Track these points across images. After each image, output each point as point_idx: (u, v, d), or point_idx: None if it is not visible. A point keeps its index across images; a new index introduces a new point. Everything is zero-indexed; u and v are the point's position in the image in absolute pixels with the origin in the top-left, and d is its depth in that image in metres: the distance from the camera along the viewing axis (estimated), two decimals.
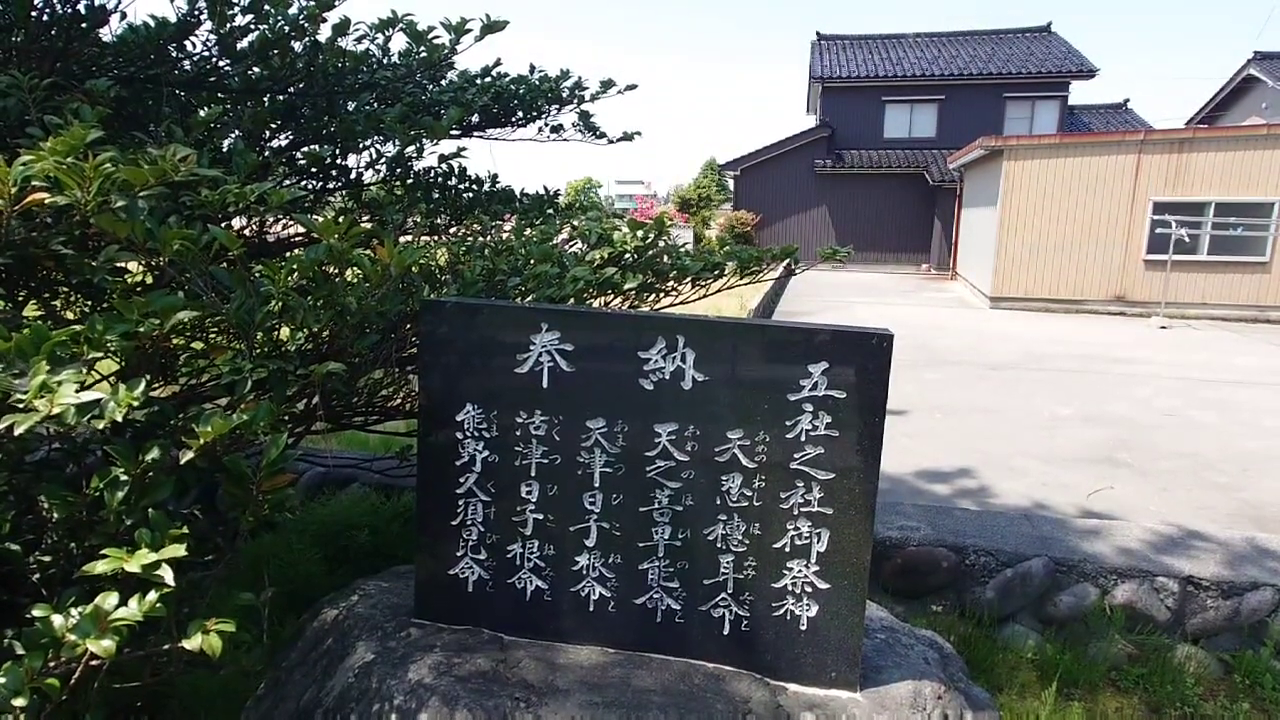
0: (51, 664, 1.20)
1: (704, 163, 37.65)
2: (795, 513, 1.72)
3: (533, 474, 1.86)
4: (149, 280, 2.20)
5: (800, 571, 1.74)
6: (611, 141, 4.00)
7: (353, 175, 3.29)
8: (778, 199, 22.94)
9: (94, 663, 1.21)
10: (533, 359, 1.82)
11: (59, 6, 2.22)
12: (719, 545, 1.78)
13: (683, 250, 2.67)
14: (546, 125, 3.85)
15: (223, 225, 2.16)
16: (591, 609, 1.87)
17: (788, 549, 1.74)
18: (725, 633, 1.81)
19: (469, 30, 2.58)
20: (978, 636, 3.44)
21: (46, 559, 1.72)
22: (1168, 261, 12.73)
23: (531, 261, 2.28)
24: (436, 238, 3.23)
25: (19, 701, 1.14)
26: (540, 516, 1.87)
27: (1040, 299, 13.74)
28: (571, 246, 2.74)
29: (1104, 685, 3.17)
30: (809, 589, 1.74)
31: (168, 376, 2.26)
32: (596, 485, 1.83)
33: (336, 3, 2.29)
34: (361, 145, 3.00)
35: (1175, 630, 3.40)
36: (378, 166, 2.97)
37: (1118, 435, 6.18)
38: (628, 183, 73.41)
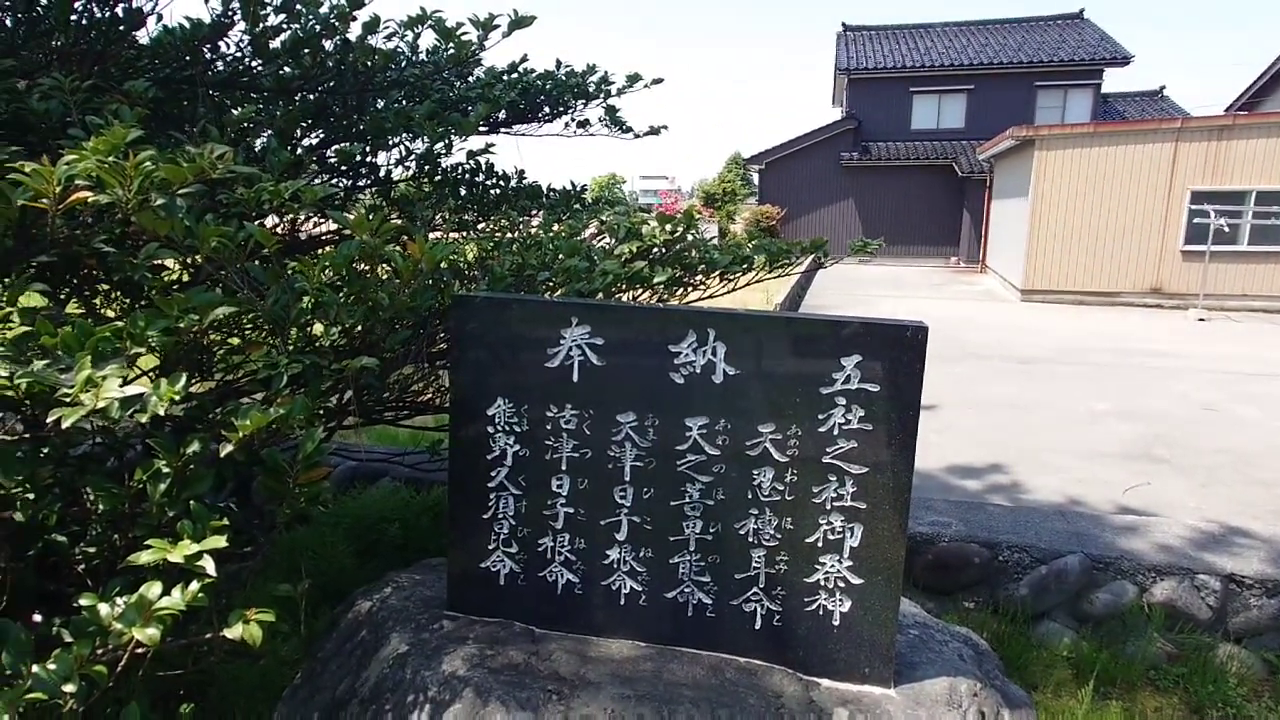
0: (99, 652, 1.23)
1: (729, 157, 37.47)
2: (828, 507, 1.71)
3: (563, 468, 1.87)
4: (185, 278, 2.24)
5: (833, 567, 1.73)
6: (638, 136, 3.99)
7: (382, 173, 3.32)
8: (803, 193, 22.75)
9: (139, 651, 1.24)
10: (563, 353, 1.82)
11: (98, 10, 2.26)
12: (750, 539, 1.77)
13: (711, 244, 2.66)
14: (573, 121, 3.85)
15: (256, 223, 2.19)
16: (622, 602, 1.87)
17: (820, 544, 1.73)
18: (757, 627, 1.80)
19: (497, 26, 2.59)
20: (1011, 634, 3.39)
21: (91, 550, 1.76)
22: (1206, 252, 12.41)
23: (560, 256, 2.28)
24: (465, 234, 3.25)
25: (69, 688, 1.17)
26: (571, 510, 1.88)
27: (1073, 292, 13.48)
28: (599, 241, 2.74)
29: (1142, 684, 3.11)
30: (842, 584, 1.73)
31: (204, 372, 2.30)
32: (627, 479, 1.83)
33: (366, 1, 2.30)
34: (391, 143, 3.02)
35: (1217, 629, 3.32)
36: (406, 164, 2.99)
37: (1155, 430, 6.05)
38: (652, 178, 73.33)
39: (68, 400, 1.24)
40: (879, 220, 22.32)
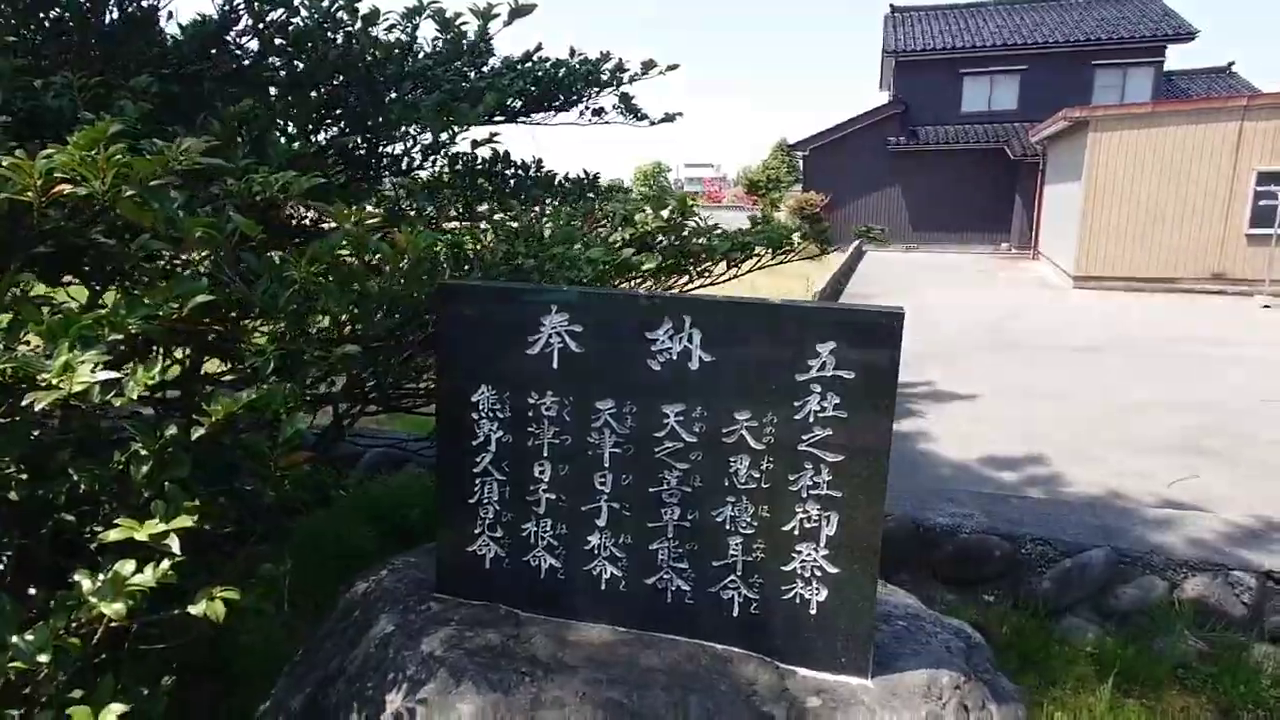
0: (75, 625, 1.29)
1: (774, 144, 36.99)
2: (804, 495, 1.69)
3: (545, 454, 1.88)
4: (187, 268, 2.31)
5: (809, 555, 1.71)
6: (653, 123, 3.96)
7: (403, 164, 3.38)
8: (849, 179, 22.31)
9: (113, 624, 1.30)
10: (543, 340, 1.84)
11: (111, 11, 2.34)
12: (727, 527, 1.76)
13: (713, 230, 2.63)
14: (588, 109, 3.85)
15: (268, 213, 2.26)
16: (603, 588, 1.88)
17: (797, 532, 1.71)
18: (734, 615, 1.79)
19: (496, 15, 2.60)
20: (1032, 628, 3.30)
21: (100, 529, 1.85)
22: (1274, 236, 11.79)
23: (548, 244, 2.29)
24: (475, 224, 3.29)
25: (43, 657, 1.24)
26: (553, 496, 1.89)
27: (1129, 278, 12.96)
28: (604, 230, 2.74)
29: (1169, 683, 2.99)
30: (818, 573, 1.71)
31: (232, 359, 2.38)
32: (606, 465, 1.84)
33: None
34: (401, 134, 3.07)
35: (1252, 628, 3.17)
36: (413, 154, 3.04)
37: (1208, 422, 5.79)
38: (697, 165, 72.89)
39: (44, 384, 1.30)
40: (927, 206, 21.78)
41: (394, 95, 3.05)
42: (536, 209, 3.20)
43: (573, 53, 3.77)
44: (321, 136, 3.02)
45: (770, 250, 2.56)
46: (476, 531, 1.97)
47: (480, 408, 1.92)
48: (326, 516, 3.67)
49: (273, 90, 2.62)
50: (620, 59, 3.76)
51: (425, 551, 2.35)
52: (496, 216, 3.35)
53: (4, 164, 1.38)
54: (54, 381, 1.29)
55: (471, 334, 1.91)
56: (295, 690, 1.98)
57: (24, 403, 1.27)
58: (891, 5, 23.93)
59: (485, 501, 1.95)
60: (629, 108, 3.88)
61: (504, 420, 1.90)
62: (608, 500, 1.85)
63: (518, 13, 2.63)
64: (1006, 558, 3.51)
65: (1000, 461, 5.02)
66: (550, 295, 1.83)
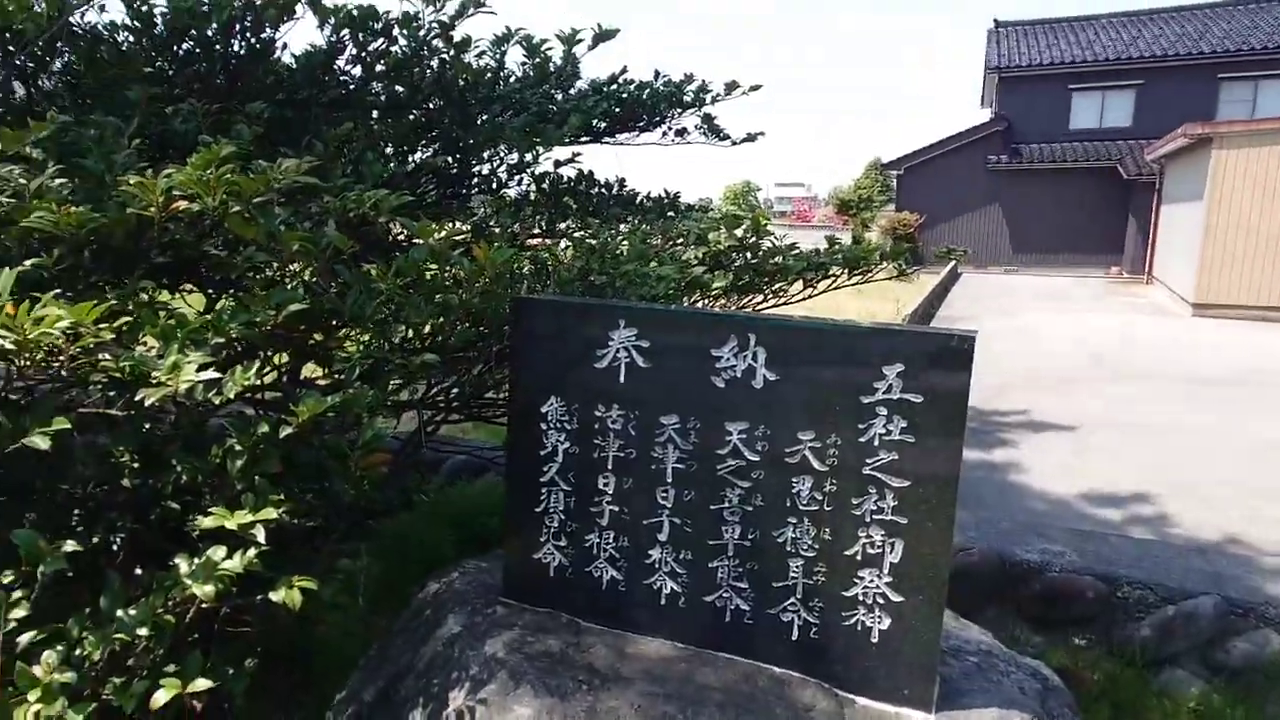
0: (170, 604, 1.40)
1: (867, 163, 36.24)
2: (867, 520, 1.65)
3: (609, 467, 1.92)
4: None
5: (872, 581, 1.67)
6: (735, 143, 3.99)
7: (493, 184, 3.53)
8: (944, 198, 21.60)
9: (203, 606, 1.41)
10: (611, 354, 1.88)
11: (233, 42, 2.57)
12: (788, 548, 1.74)
13: (788, 250, 2.62)
14: (670, 129, 3.91)
15: (362, 229, 2.41)
16: (663, 602, 1.89)
17: (859, 557, 1.67)
18: (794, 638, 1.76)
19: (580, 40, 2.69)
20: (1128, 677, 3.09)
21: (200, 518, 2.00)
22: None
23: (621, 261, 2.34)
24: (556, 240, 3.39)
25: (142, 631, 1.35)
26: (616, 508, 1.92)
27: (1255, 306, 11.97)
28: (678, 249, 2.77)
29: None
30: (881, 600, 1.66)
31: (326, 365, 2.54)
32: (669, 481, 1.85)
33: (458, 23, 2.47)
34: (490, 154, 3.21)
35: None
36: (500, 174, 3.16)
37: None
38: (787, 185, 72.18)
39: (154, 381, 1.43)
40: (1030, 227, 20.81)
41: (484, 118, 3.20)
42: (622, 226, 3.27)
43: (657, 75, 3.85)
44: (416, 157, 3.20)
45: (847, 271, 2.53)
46: (542, 540, 2.02)
47: (549, 419, 1.97)
48: (410, 520, 3.82)
49: (373, 114, 2.80)
50: (704, 80, 3.81)
51: (495, 556, 2.42)
52: (577, 234, 3.45)
53: (131, 183, 1.53)
54: (164, 379, 1.43)
55: (543, 346, 1.97)
56: (369, 683, 2.08)
57: (136, 398, 1.40)
58: (996, 20, 23.14)
59: (551, 511, 2.00)
60: (711, 128, 3.92)
61: (571, 432, 1.95)
62: (669, 515, 1.86)
63: (601, 38, 2.72)
64: (1101, 600, 3.30)
65: (1100, 498, 4.72)
66: (619, 310, 1.87)
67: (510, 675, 1.72)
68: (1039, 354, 9.27)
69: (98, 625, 1.41)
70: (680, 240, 2.51)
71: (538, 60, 2.75)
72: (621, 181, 3.96)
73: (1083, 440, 5.91)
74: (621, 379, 1.87)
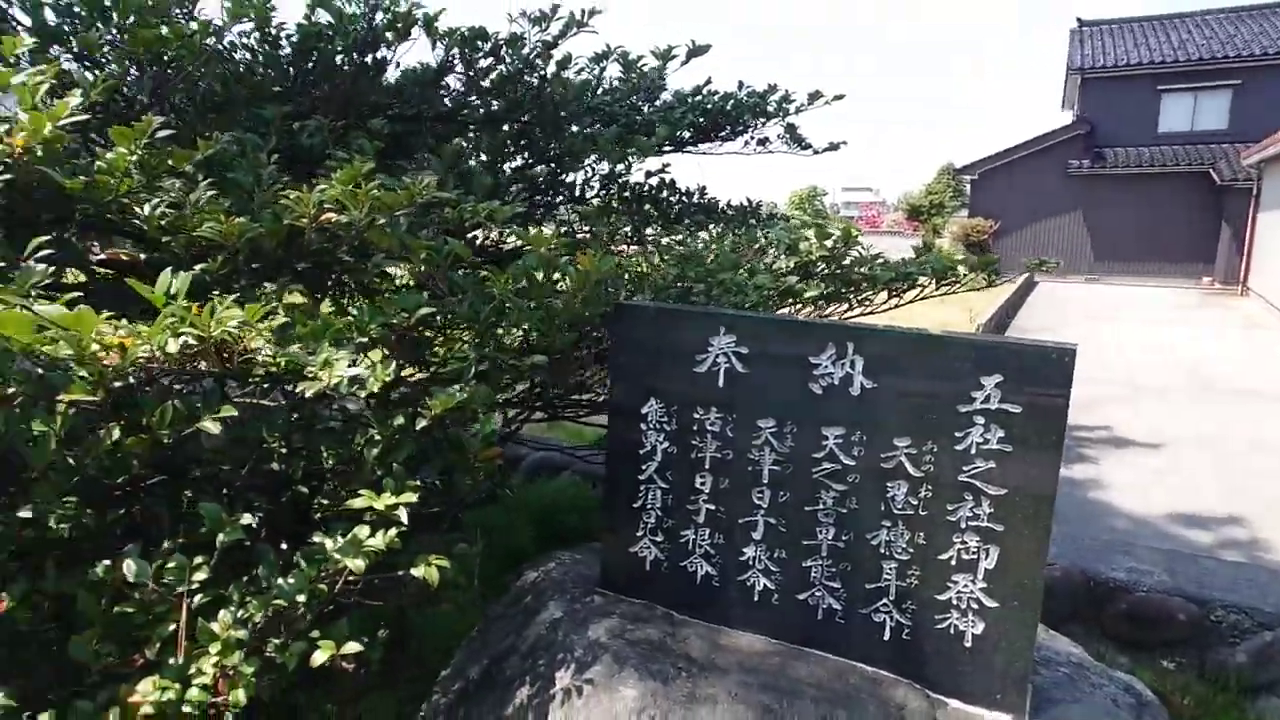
0: (321, 575, 1.56)
1: (939, 167, 35.41)
2: (962, 526, 1.70)
3: (706, 467, 2.01)
4: (411, 283, 2.66)
5: (966, 586, 1.71)
6: (816, 152, 4.04)
7: (577, 191, 3.67)
8: (1020, 204, 20.93)
9: (350, 578, 1.56)
10: (710, 360, 1.97)
11: (354, 58, 2.76)
12: (882, 551, 1.80)
13: (875, 260, 2.67)
14: (753, 139, 3.99)
15: (468, 237, 2.57)
16: (756, 599, 1.97)
17: (954, 562, 1.72)
18: (885, 638, 1.82)
19: (675, 56, 2.80)
20: (1222, 703, 3.01)
21: (325, 501, 2.18)
22: None
23: (714, 270, 2.43)
24: (643, 247, 3.50)
25: (300, 598, 1.51)
26: (712, 507, 2.01)
27: None
28: (768, 257, 2.85)
29: None
30: (975, 605, 1.71)
31: (420, 364, 2.72)
32: (765, 482, 1.93)
33: (560, 42, 2.61)
34: (581, 164, 3.35)
35: None
36: (591, 183, 3.29)
37: None
38: (855, 189, 70.96)
39: (310, 376, 1.59)
40: (1114, 235, 19.99)
41: (574, 129, 3.34)
42: (704, 234, 3.37)
43: (740, 86, 3.93)
44: (506, 167, 3.36)
45: (934, 280, 2.56)
46: (639, 534, 2.13)
47: (648, 419, 2.08)
48: (491, 513, 3.99)
49: (470, 127, 2.96)
50: (786, 91, 3.87)
51: (589, 550, 2.55)
52: (664, 241, 3.56)
53: (290, 197, 1.71)
54: (318, 374, 1.58)
55: (643, 350, 2.08)
56: (472, 661, 2.22)
57: (296, 390, 1.56)
58: (1079, 20, 22.32)
59: (649, 507, 2.10)
60: (794, 138, 3.98)
61: (670, 432, 2.05)
62: (764, 515, 1.95)
63: (694, 53, 2.82)
64: (1193, 623, 3.22)
65: (1189, 518, 4.57)
66: (719, 317, 1.97)
67: (615, 659, 1.83)
68: (1125, 367, 8.95)
69: (257, 592, 1.58)
70: (770, 248, 2.58)
71: (634, 76, 2.87)
72: (702, 189, 4.05)
73: (1171, 458, 5.71)
74: (720, 383, 1.96)
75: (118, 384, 1.44)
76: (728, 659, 1.86)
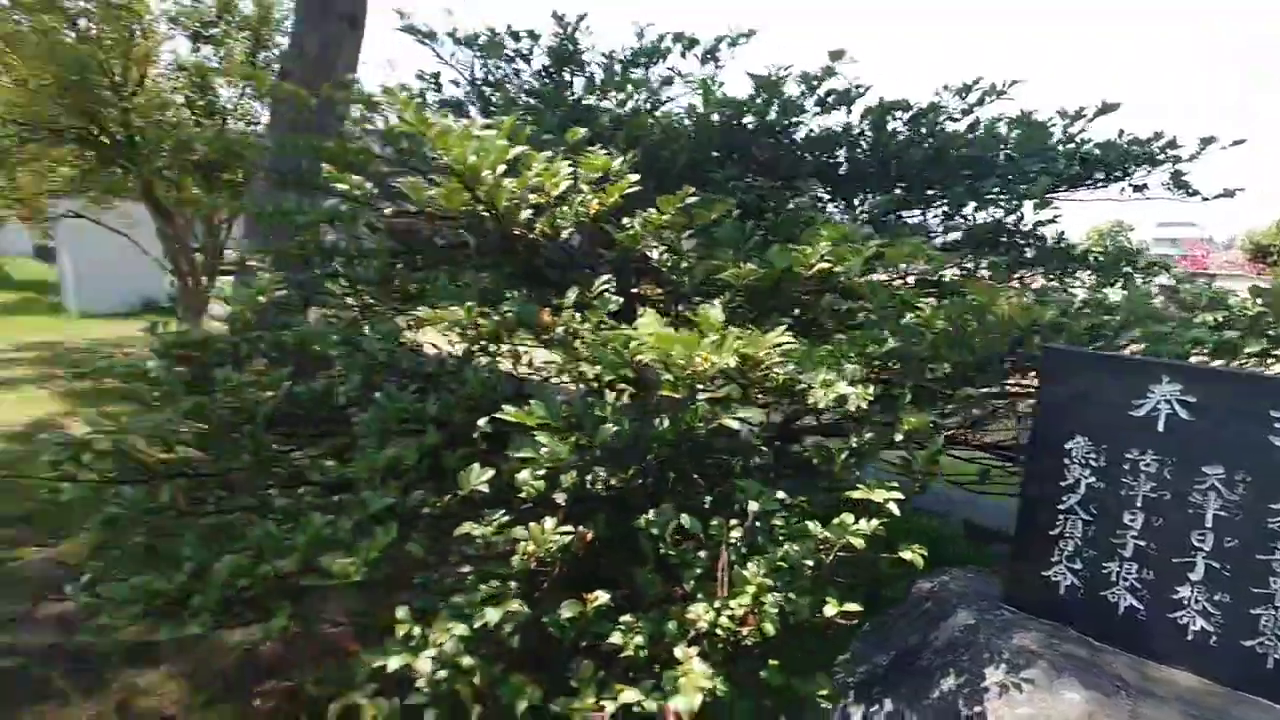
0: (819, 548, 1.98)
1: None
2: None
3: (1138, 504, 2.14)
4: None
5: None
6: (1206, 199, 3.86)
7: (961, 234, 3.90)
8: None
9: (843, 553, 1.96)
10: (1150, 405, 2.11)
11: (781, 127, 3.29)
12: None
13: None
14: (1129, 185, 3.93)
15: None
16: (1189, 638, 2.05)
17: None
18: None
19: (1084, 116, 2.94)
20: None
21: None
22: None
23: (1132, 319, 2.54)
24: (1013, 288, 3.64)
25: (808, 561, 1.94)
26: (1142, 543, 2.14)
27: None
28: (1170, 307, 2.86)
29: None
30: None
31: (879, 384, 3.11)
32: (1208, 525, 2.02)
33: (976, 110, 2.90)
34: (960, 210, 3.59)
35: None
36: (969, 228, 3.51)
37: None
38: (1171, 225, 61.65)
39: (809, 389, 2.03)
40: None
41: (966, 177, 3.58)
42: (1080, 279, 3.43)
43: (1121, 134, 3.90)
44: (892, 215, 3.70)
45: None
46: (1054, 560, 2.30)
47: (1073, 454, 2.26)
48: None
49: (902, 185, 3.34)
50: (1173, 137, 3.77)
51: (974, 570, 2.75)
52: (1037, 286, 3.66)
53: (791, 250, 2.19)
54: (821, 390, 2.02)
55: (1073, 391, 2.26)
56: (876, 650, 2.54)
57: (808, 401, 2.01)
58: None
59: (1067, 535, 2.27)
60: (1178, 184, 3.86)
61: (1097, 468, 2.21)
62: (1205, 557, 2.03)
63: (1103, 111, 2.94)
64: None
65: None
66: (1162, 367, 2.10)
67: (1050, 665, 2.03)
68: None
69: (756, 553, 2.05)
70: (1189, 300, 2.61)
71: (1034, 133, 3.05)
72: (1061, 234, 4.06)
73: None
74: (1160, 427, 2.09)
75: (699, 386, 2.00)
76: (1163, 689, 1.97)
